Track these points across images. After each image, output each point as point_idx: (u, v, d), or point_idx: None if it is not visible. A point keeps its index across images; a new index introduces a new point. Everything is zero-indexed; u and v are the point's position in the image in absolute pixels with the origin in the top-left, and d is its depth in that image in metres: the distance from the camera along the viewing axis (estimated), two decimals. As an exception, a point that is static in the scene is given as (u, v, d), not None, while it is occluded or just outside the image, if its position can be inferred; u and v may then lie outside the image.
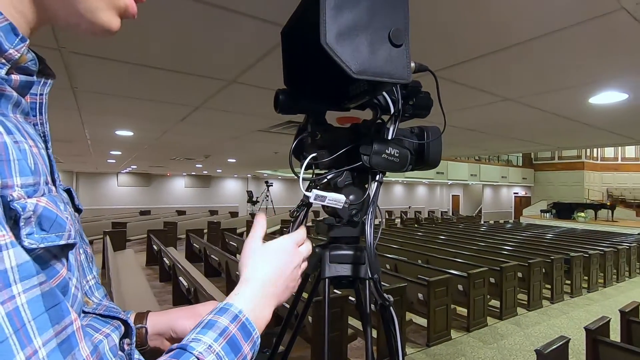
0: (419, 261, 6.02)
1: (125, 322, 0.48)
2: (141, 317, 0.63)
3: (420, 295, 4.20)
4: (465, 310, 4.58)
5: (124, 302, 4.31)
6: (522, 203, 21.09)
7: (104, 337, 0.42)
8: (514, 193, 21.49)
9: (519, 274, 5.29)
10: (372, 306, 0.85)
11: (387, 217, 16.89)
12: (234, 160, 7.50)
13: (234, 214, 14.79)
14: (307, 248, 0.64)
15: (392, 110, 0.77)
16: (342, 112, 0.85)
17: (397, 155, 0.74)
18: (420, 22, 1.17)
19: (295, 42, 0.74)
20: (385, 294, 0.75)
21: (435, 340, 4.10)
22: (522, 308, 5.27)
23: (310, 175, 0.79)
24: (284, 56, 0.76)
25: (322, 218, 0.84)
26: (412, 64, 0.68)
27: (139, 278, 5.57)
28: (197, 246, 7.87)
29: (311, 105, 0.77)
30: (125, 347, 0.48)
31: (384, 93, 0.78)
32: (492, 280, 4.97)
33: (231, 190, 18.08)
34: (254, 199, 14.74)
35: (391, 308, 0.82)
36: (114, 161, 8.05)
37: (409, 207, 20.58)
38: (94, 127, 3.31)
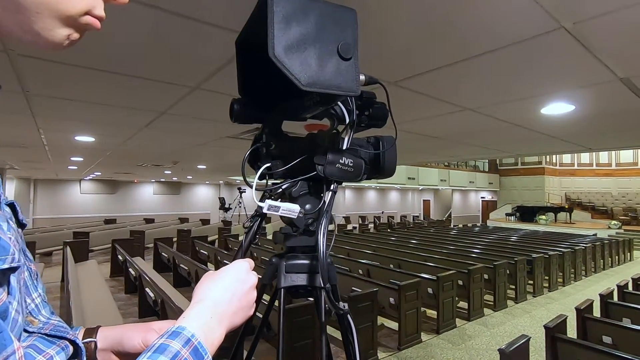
0: (391, 266, 6.11)
1: (73, 342, 0.46)
2: (91, 331, 0.61)
3: (391, 300, 4.26)
4: (435, 312, 4.69)
5: (85, 316, 4.08)
6: (488, 207, 21.96)
7: (47, 359, 0.40)
8: (481, 197, 22.35)
9: (485, 276, 5.48)
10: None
11: (360, 222, 17.05)
12: (204, 167, 7.34)
13: (205, 222, 14.45)
14: (256, 276, 0.63)
15: (347, 121, 0.78)
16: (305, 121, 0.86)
17: (352, 164, 0.75)
18: (381, 34, 1.21)
19: (249, 52, 0.74)
20: (340, 303, 0.76)
21: (406, 343, 4.16)
22: (489, 309, 5.46)
23: (268, 186, 0.78)
24: (239, 66, 0.76)
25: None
26: (362, 77, 0.70)
27: (102, 290, 5.30)
28: (166, 255, 7.61)
29: (266, 115, 0.77)
30: None
31: (340, 104, 0.80)
32: (460, 282, 5.12)
33: (203, 197, 17.66)
34: (227, 206, 14.46)
35: (348, 316, 0.82)
36: (75, 167, 7.66)
37: (382, 212, 20.89)
38: (51, 133, 3.14)
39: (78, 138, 3.41)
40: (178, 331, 0.46)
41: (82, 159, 5.75)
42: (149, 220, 14.44)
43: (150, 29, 1.20)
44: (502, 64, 1.41)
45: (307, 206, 0.76)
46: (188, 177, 12.04)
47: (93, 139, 3.48)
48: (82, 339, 0.58)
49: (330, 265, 0.82)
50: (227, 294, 0.55)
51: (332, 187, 0.74)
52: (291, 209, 0.68)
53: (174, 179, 13.86)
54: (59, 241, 8.92)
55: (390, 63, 1.45)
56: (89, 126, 2.85)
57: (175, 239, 9.83)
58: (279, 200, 0.74)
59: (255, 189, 0.71)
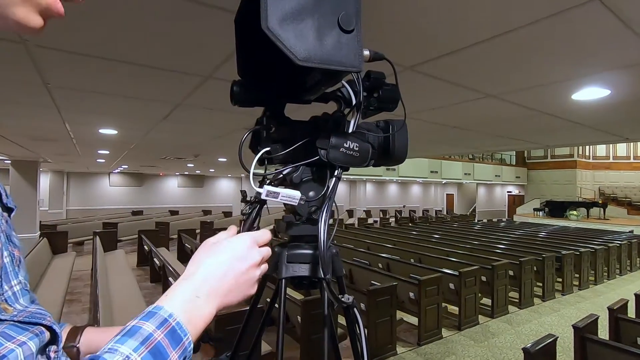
0: (412, 260, 6.01)
1: (49, 328, 0.44)
2: (75, 332, 0.59)
3: (411, 294, 4.19)
4: (457, 308, 4.58)
5: (112, 304, 4.25)
6: (515, 201, 21.21)
7: (18, 345, 0.38)
8: (508, 192, 21.60)
9: (511, 272, 5.30)
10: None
11: (381, 216, 16.87)
12: (225, 160, 7.44)
13: (227, 214, 14.72)
14: (267, 250, 0.61)
15: (353, 102, 0.74)
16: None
17: (357, 149, 0.70)
18: (392, 9, 1.14)
19: (248, 30, 0.70)
20: (345, 295, 0.72)
21: (426, 339, 4.09)
22: (514, 306, 5.29)
23: (273, 172, 0.75)
24: (238, 45, 0.72)
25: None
26: (366, 52, 0.64)
27: (128, 279, 5.50)
28: (189, 246, 7.80)
29: (267, 97, 0.74)
30: (52, 354, 0.44)
31: (346, 85, 0.75)
32: (483, 278, 4.98)
33: (225, 190, 17.98)
34: (248, 199, 14.65)
35: (355, 309, 0.78)
36: (103, 161, 7.95)
37: (404, 206, 20.60)
38: (76, 126, 3.25)
39: (102, 131, 3.51)
40: (154, 311, 0.44)
41: (108, 152, 5.95)
42: (174, 212, 14.87)
43: (158, 14, 1.18)
44: (528, 44, 1.31)
45: (310, 193, 0.72)
46: (210, 170, 12.27)
47: (116, 132, 3.57)
48: (65, 341, 0.57)
49: (335, 256, 0.78)
50: (219, 270, 0.52)
51: (336, 173, 0.70)
52: (291, 196, 0.65)
53: (197, 172, 14.17)
54: (89, 231, 9.33)
55: (405, 45, 1.37)
56: (111, 119, 2.92)
57: (198, 231, 10.09)
58: (281, 186, 0.70)
59: (254, 174, 0.68)
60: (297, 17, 0.53)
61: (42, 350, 0.42)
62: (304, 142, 0.70)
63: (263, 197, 0.64)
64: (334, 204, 0.70)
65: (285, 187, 0.69)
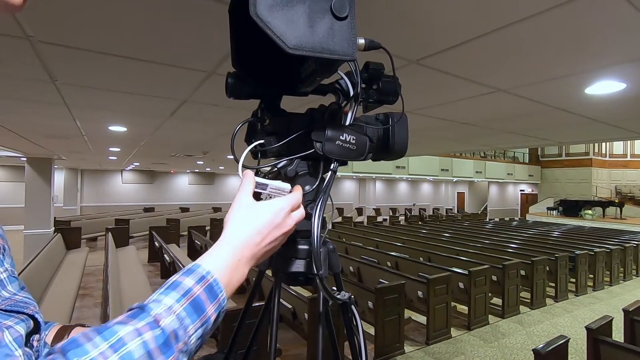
0: (421, 259, 5.95)
1: (32, 317, 0.44)
2: (63, 331, 0.59)
3: (419, 293, 4.15)
4: (466, 308, 4.52)
5: (122, 299, 4.31)
6: (528, 200, 20.83)
7: (5, 328, 0.38)
8: (520, 190, 21.23)
9: (522, 272, 5.20)
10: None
11: (391, 214, 16.76)
12: (233, 157, 7.48)
13: (237, 211, 14.79)
14: (300, 213, 0.61)
15: (351, 94, 0.71)
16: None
17: (354, 142, 0.68)
18: (396, 5, 1.11)
19: (242, 20, 0.69)
20: (342, 292, 0.70)
21: (435, 338, 4.05)
22: (525, 306, 5.20)
23: (271, 165, 0.74)
24: (232, 36, 0.70)
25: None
26: (361, 41, 0.62)
27: (139, 275, 5.58)
28: (199, 243, 7.88)
29: (262, 89, 0.72)
30: (34, 343, 0.44)
31: (344, 77, 0.73)
32: (494, 278, 4.90)
33: (235, 187, 18.08)
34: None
35: (352, 306, 0.77)
36: (115, 158, 8.07)
37: (414, 205, 20.43)
38: (86, 123, 3.29)
39: (111, 128, 3.55)
40: (193, 268, 0.47)
41: (119, 149, 6.03)
42: (184, 209, 15.05)
43: (159, 9, 1.18)
44: (538, 34, 1.26)
45: (306, 187, 0.70)
46: (220, 167, 12.36)
47: (125, 129, 3.61)
48: (53, 340, 0.57)
49: (332, 252, 0.76)
50: (259, 236, 0.54)
51: (332, 167, 0.68)
52: (280, 188, 0.63)
53: (207, 169, 14.29)
54: (102, 227, 9.51)
55: (409, 37, 1.34)
56: (119, 115, 2.95)
57: (208, 228, 10.19)
58: (276, 180, 0.69)
59: (248, 168, 0.66)
60: (288, 3, 0.52)
61: (26, 338, 0.41)
62: (299, 135, 0.68)
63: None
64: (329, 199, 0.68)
65: (281, 181, 0.68)
